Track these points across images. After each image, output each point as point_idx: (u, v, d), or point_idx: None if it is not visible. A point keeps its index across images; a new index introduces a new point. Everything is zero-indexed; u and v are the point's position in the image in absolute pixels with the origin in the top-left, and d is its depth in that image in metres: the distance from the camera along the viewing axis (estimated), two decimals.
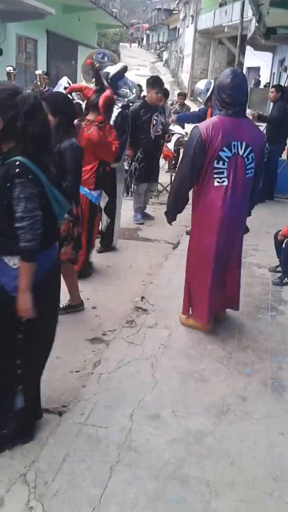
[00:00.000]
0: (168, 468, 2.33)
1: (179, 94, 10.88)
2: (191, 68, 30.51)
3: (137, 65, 37.38)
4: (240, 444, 2.52)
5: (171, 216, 3.64)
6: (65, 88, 4.39)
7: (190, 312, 3.73)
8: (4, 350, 2.27)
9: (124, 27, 29.11)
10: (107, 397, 2.81)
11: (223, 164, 3.25)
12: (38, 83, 9.33)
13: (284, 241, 4.72)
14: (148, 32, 60.75)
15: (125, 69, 4.88)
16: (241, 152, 3.27)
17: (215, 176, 3.28)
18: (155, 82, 6.25)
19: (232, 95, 3.24)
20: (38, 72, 9.42)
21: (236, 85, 3.24)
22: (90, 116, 4.39)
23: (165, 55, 46.56)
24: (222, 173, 3.27)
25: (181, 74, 35.15)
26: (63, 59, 16.28)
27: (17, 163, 2.03)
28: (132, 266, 5.09)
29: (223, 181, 3.28)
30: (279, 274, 4.79)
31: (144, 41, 62.16)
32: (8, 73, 9.30)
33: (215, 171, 3.27)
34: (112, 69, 4.65)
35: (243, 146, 3.26)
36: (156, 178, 6.93)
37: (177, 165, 3.78)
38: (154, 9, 57.15)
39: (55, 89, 4.19)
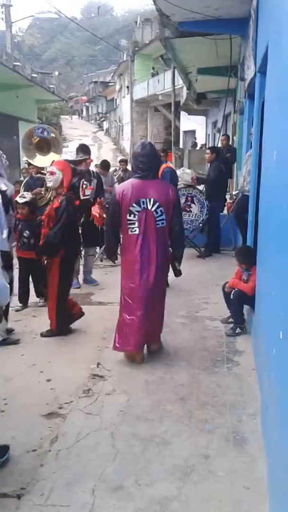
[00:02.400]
0: None
1: (120, 161, 11.24)
2: (131, 135, 31.83)
3: (79, 135, 38.73)
4: (206, 505, 2.46)
5: (109, 257, 4.53)
6: None
7: (118, 345, 4.20)
8: None
9: (64, 101, 30.16)
10: (67, 473, 2.71)
11: (134, 216, 4.02)
12: None
13: (232, 292, 4.85)
14: (87, 104, 63.37)
15: None
16: (149, 207, 4.01)
17: (129, 226, 4.05)
18: (77, 149, 6.51)
19: (143, 162, 4.05)
20: None
21: (145, 154, 4.06)
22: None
23: (105, 125, 48.48)
24: (134, 223, 4.03)
25: (122, 142, 36.58)
26: (4, 135, 16.56)
27: None
28: (86, 332, 5.03)
29: (135, 230, 4.04)
30: (231, 325, 4.88)
31: (84, 113, 64.66)
32: None
33: (128, 222, 4.04)
34: None
35: (151, 202, 4.00)
36: (92, 242, 6.81)
37: None
38: (91, 82, 59.96)
39: None
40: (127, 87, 33.71)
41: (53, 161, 4.89)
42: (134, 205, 3.99)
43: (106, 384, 3.80)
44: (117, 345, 4.20)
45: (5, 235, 2.85)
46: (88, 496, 2.53)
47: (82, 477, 2.67)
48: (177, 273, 4.52)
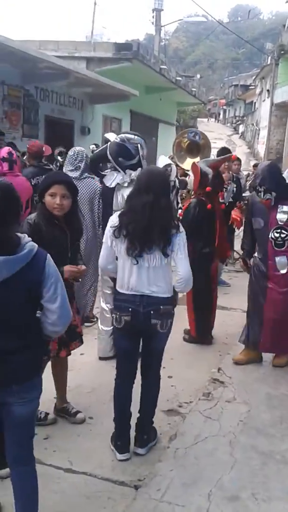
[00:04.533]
0: None
1: (254, 165, 11.04)
2: (267, 139, 30.99)
3: (214, 138, 38.51)
4: None
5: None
6: None
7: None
8: None
9: (202, 104, 30.40)
10: (184, 473, 2.73)
11: None
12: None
13: None
14: (225, 107, 62.97)
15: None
16: None
17: None
18: (218, 152, 6.59)
19: None
20: (92, 147, 10.29)
21: None
22: None
23: (241, 128, 47.75)
24: None
25: (257, 146, 35.73)
26: (144, 136, 17.27)
27: None
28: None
29: None
30: None
31: (221, 116, 64.37)
32: (92, 151, 10.12)
33: None
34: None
35: None
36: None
37: None
38: (231, 85, 59.46)
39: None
40: (268, 90, 32.85)
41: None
42: None
43: (226, 391, 3.75)
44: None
45: None
46: (204, 500, 2.52)
47: (199, 480, 2.67)
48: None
